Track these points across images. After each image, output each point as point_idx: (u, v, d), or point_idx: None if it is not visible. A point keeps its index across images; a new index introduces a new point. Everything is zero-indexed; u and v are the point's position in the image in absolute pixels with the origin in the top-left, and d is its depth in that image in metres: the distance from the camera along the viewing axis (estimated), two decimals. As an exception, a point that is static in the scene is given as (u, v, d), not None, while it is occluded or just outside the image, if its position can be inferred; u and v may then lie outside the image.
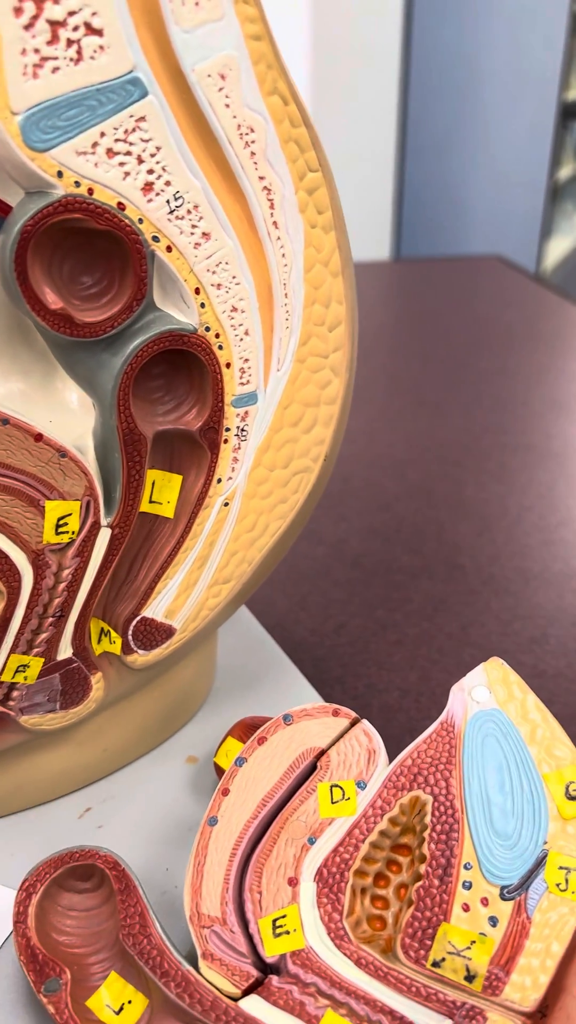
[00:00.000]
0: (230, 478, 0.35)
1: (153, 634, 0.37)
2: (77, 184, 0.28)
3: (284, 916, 0.29)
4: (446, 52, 2.49)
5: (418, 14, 2.39)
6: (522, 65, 2.49)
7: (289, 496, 0.37)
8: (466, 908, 0.28)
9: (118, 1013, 0.28)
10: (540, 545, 0.63)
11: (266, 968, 0.28)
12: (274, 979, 0.28)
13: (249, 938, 0.29)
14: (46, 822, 0.37)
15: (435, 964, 0.27)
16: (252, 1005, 0.27)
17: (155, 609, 0.36)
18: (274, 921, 0.29)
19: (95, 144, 0.27)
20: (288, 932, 0.28)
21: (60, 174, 0.27)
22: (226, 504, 0.35)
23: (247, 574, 0.37)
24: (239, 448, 0.35)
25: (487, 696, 0.32)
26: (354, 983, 0.27)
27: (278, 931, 0.28)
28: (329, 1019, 0.27)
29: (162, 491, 0.35)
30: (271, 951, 0.28)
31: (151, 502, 0.35)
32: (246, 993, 0.28)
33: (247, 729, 0.37)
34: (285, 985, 0.28)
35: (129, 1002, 0.28)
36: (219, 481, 0.35)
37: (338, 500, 0.69)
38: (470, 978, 0.27)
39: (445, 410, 0.85)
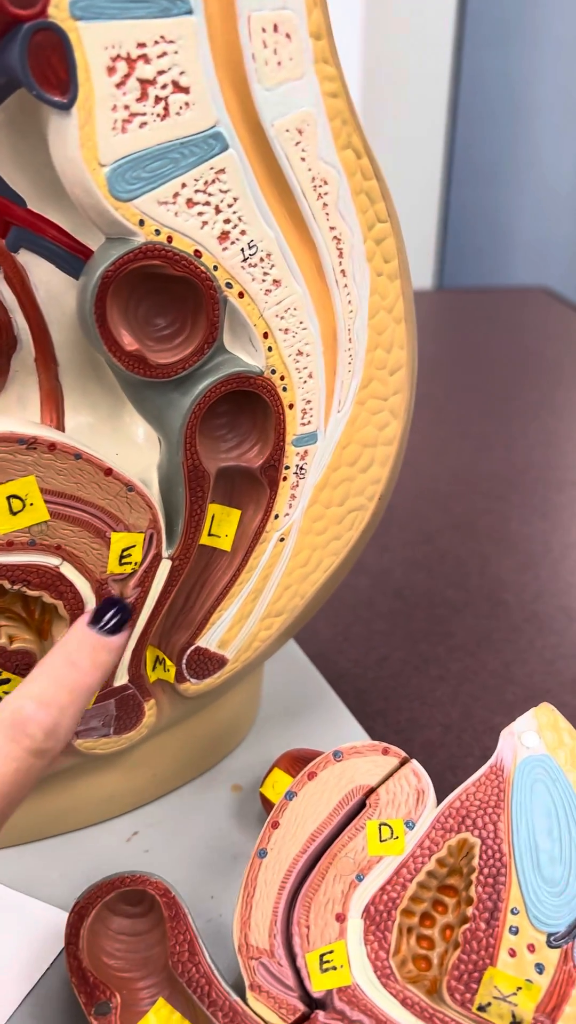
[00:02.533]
0: (287, 514, 0.36)
1: (206, 664, 0.37)
2: (157, 232, 0.29)
3: (331, 951, 0.29)
4: (495, 80, 2.50)
5: (468, 41, 2.41)
6: (572, 93, 2.49)
7: (343, 533, 0.37)
8: (512, 953, 0.28)
9: (165, 1040, 0.29)
10: (584, 584, 0.63)
11: (312, 1003, 0.29)
12: (320, 1014, 0.28)
13: (296, 972, 0.29)
14: (94, 844, 0.38)
15: (480, 1008, 0.28)
16: (298, 1039, 0.28)
17: (209, 639, 0.37)
18: (321, 956, 0.29)
19: (176, 194, 0.29)
20: (335, 968, 0.29)
21: (142, 222, 0.28)
22: (282, 539, 0.36)
23: (299, 608, 0.38)
24: (297, 485, 0.35)
25: (537, 741, 0.32)
26: (399, 1022, 0.28)
27: (325, 966, 0.29)
28: (374, 1058, 0.27)
29: (221, 525, 0.35)
30: (318, 986, 0.29)
31: (210, 535, 0.35)
32: (292, 1027, 0.28)
33: (293, 761, 0.38)
34: (331, 1021, 0.28)
35: (176, 1030, 0.29)
36: (276, 517, 0.36)
37: (382, 531, 0.70)
38: (516, 1024, 0.27)
39: (490, 443, 0.85)
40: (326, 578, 0.38)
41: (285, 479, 0.35)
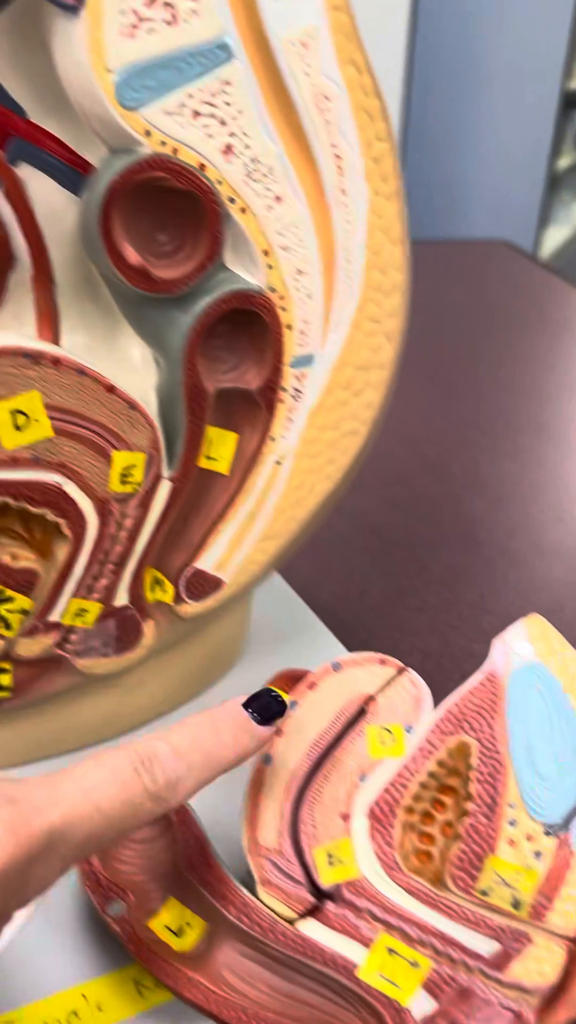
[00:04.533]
0: (284, 437, 0.36)
1: (203, 585, 0.38)
2: (163, 143, 0.29)
3: (338, 848, 0.30)
4: (450, 40, 2.48)
5: (423, 2, 2.39)
6: (525, 54, 2.49)
7: (337, 458, 0.38)
8: (512, 843, 0.30)
9: (178, 935, 0.30)
10: (554, 522, 0.65)
11: (321, 896, 0.30)
12: (330, 905, 0.29)
13: (304, 867, 0.30)
14: (94, 764, 0.39)
15: (483, 893, 0.29)
16: (309, 927, 0.29)
17: (206, 561, 0.38)
18: (328, 852, 0.30)
19: (182, 105, 0.29)
20: (342, 862, 0.30)
21: (148, 133, 0.28)
22: (278, 463, 0.37)
23: (293, 532, 0.39)
24: (294, 408, 0.36)
25: (528, 649, 0.33)
26: (406, 909, 0.29)
27: (332, 861, 0.30)
28: (383, 941, 0.28)
29: (218, 448, 0.36)
30: (327, 880, 0.30)
31: (208, 458, 0.36)
32: (302, 917, 0.29)
33: (288, 680, 0.39)
34: (341, 911, 0.29)
35: (189, 924, 0.30)
36: (273, 440, 0.36)
37: (358, 473, 0.71)
38: (516, 905, 0.29)
39: (458, 391, 0.86)
40: (320, 502, 0.39)
41: (282, 401, 0.36)
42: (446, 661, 0.51)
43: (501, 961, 0.27)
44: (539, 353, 0.94)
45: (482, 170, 2.63)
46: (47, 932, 0.32)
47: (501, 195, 2.65)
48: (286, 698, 0.30)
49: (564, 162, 3.08)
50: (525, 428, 0.78)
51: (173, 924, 0.30)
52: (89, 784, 0.24)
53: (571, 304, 1.09)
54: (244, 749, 0.28)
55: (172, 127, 0.29)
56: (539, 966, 0.27)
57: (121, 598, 0.36)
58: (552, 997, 0.27)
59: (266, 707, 0.29)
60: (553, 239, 3.17)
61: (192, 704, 0.43)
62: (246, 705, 0.29)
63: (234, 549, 0.38)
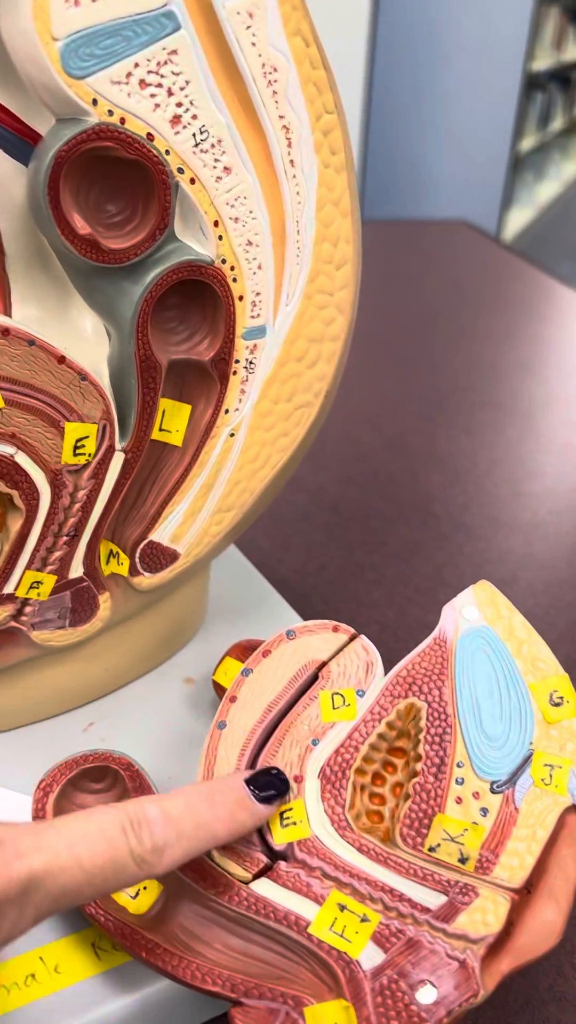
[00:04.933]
0: (237, 409, 0.37)
1: (159, 557, 0.38)
2: (110, 113, 0.29)
3: (291, 809, 0.31)
4: (413, 20, 2.48)
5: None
6: (488, 35, 2.50)
7: (291, 430, 0.39)
8: (459, 801, 0.31)
9: (135, 898, 0.30)
10: (509, 496, 0.66)
11: (274, 856, 0.31)
12: (282, 864, 0.30)
13: (257, 829, 0.31)
14: (51, 735, 0.39)
15: (431, 849, 0.30)
16: (262, 887, 0.30)
17: (162, 534, 0.38)
18: (281, 814, 0.31)
19: (129, 74, 0.29)
20: (295, 823, 0.31)
21: (95, 102, 0.28)
22: (232, 435, 0.37)
23: (248, 504, 0.39)
24: (247, 380, 0.36)
25: (477, 614, 0.34)
26: (357, 866, 0.30)
27: (285, 822, 0.31)
28: (334, 897, 0.29)
29: (172, 420, 0.36)
30: (279, 840, 0.31)
31: (161, 430, 0.36)
32: (256, 877, 0.30)
33: (244, 651, 0.39)
34: (293, 870, 0.30)
35: (144, 888, 0.30)
36: (227, 412, 0.37)
37: (316, 450, 0.71)
38: (463, 860, 0.30)
39: (416, 368, 0.87)
40: (274, 475, 0.39)
41: (235, 373, 0.36)
42: (403, 632, 0.52)
43: (448, 913, 0.28)
44: (497, 331, 0.95)
45: (445, 152, 2.64)
46: (5, 899, 0.33)
47: (464, 177, 2.66)
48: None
49: (527, 143, 3.10)
50: (482, 405, 0.79)
51: (130, 888, 0.30)
52: (74, 837, 0.23)
53: (529, 283, 1.10)
54: (240, 825, 0.28)
55: (119, 96, 0.29)
56: (484, 917, 0.28)
57: (76, 570, 0.36)
58: (496, 946, 0.28)
59: (268, 785, 0.29)
60: (516, 220, 3.19)
61: (153, 675, 0.43)
62: (248, 781, 0.28)
63: (189, 521, 0.38)
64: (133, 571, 0.38)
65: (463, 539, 0.61)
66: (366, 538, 0.60)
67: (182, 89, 0.30)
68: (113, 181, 0.31)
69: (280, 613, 0.47)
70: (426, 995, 0.27)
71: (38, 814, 0.32)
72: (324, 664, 0.34)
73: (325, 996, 0.28)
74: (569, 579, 0.57)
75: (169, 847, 0.25)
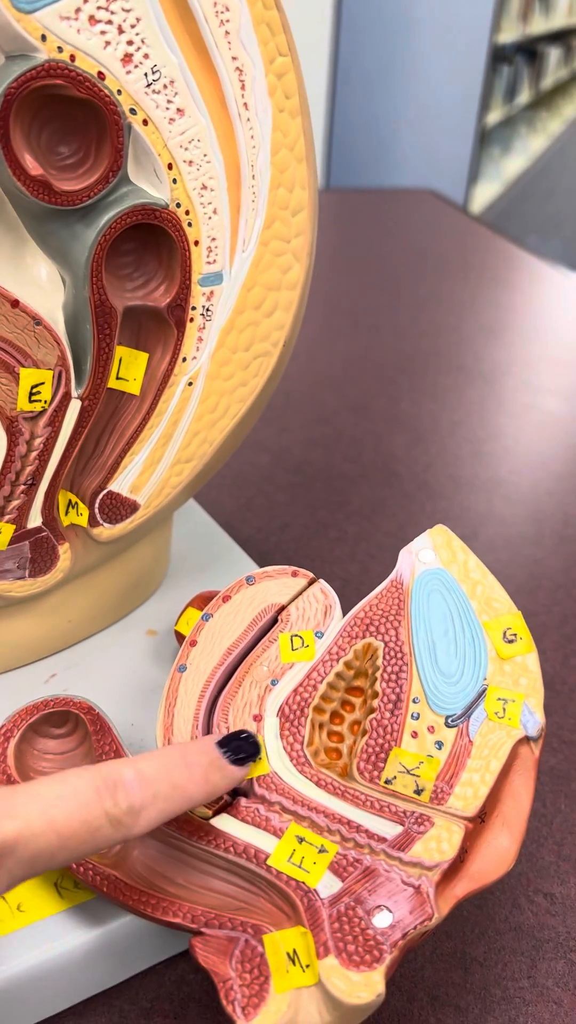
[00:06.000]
0: (195, 358, 0.37)
1: (118, 508, 0.38)
2: (60, 49, 0.29)
3: (250, 747, 0.31)
4: (379, -12, 2.46)
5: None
6: (455, 6, 2.48)
7: (249, 379, 0.39)
8: (415, 735, 0.31)
9: (96, 837, 0.31)
10: (470, 456, 0.67)
11: (235, 792, 0.31)
12: (242, 800, 0.31)
13: (218, 767, 0.31)
14: (12, 686, 0.39)
15: (387, 782, 0.31)
16: (222, 822, 0.30)
17: (121, 484, 0.38)
18: (241, 751, 0.31)
19: (78, 10, 0.28)
20: (254, 760, 0.31)
21: (44, 38, 0.28)
22: (190, 384, 0.37)
23: (208, 455, 0.39)
24: (204, 328, 0.36)
25: (432, 557, 0.35)
26: (315, 800, 0.30)
27: (245, 760, 0.31)
28: (293, 830, 0.30)
29: (129, 368, 0.36)
30: (239, 776, 0.31)
31: (118, 378, 0.36)
32: (216, 813, 0.30)
33: (205, 601, 0.40)
34: (252, 805, 0.30)
35: (106, 827, 0.31)
36: (184, 360, 0.37)
37: (281, 413, 0.71)
38: (419, 792, 0.30)
39: (381, 333, 0.87)
40: (234, 425, 0.39)
41: (192, 320, 0.36)
42: (365, 587, 0.52)
43: (404, 842, 0.29)
44: (460, 298, 0.96)
45: (412, 124, 2.62)
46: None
47: (431, 149, 2.65)
48: (260, 740, 0.30)
49: (493, 117, 3.10)
50: (446, 369, 0.80)
51: (91, 827, 0.31)
52: (47, 801, 0.23)
53: (492, 250, 1.11)
54: (214, 786, 0.27)
55: (68, 32, 0.28)
56: (439, 845, 0.29)
57: (34, 519, 0.36)
58: (451, 872, 0.29)
59: (239, 748, 0.29)
60: (483, 195, 3.20)
61: (115, 627, 0.43)
62: (220, 744, 0.28)
63: (149, 472, 0.38)
64: (92, 522, 0.38)
65: (424, 498, 0.61)
66: (329, 498, 0.61)
67: (133, 27, 0.29)
68: (65, 122, 0.31)
69: (243, 568, 0.47)
70: (382, 919, 0.27)
71: (-1, 758, 0.32)
72: (283, 608, 0.35)
73: (284, 924, 0.28)
74: (527, 535, 0.57)
75: (145, 808, 0.25)
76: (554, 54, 4.00)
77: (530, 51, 3.61)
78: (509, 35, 2.89)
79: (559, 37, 4.07)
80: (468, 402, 0.74)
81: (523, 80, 3.56)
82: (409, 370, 0.80)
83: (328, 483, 0.63)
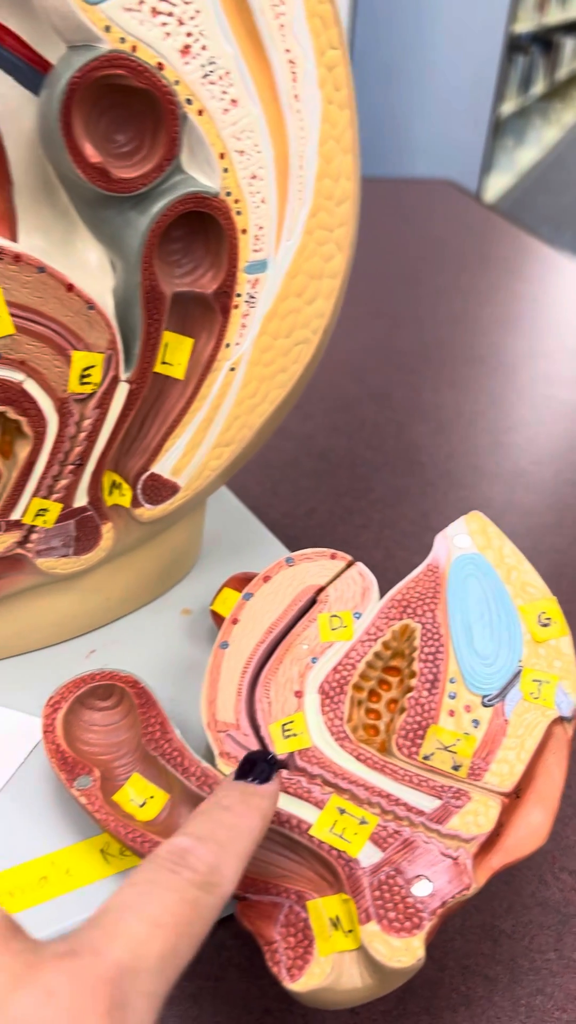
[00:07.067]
0: (238, 344, 0.38)
1: (160, 489, 0.39)
2: (122, 40, 0.29)
3: (292, 721, 0.33)
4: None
5: None
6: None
7: (289, 366, 0.39)
8: (452, 714, 0.32)
9: (142, 806, 0.32)
10: (492, 446, 0.67)
11: (277, 764, 0.32)
12: (284, 772, 0.32)
13: (260, 740, 0.32)
14: (54, 660, 0.40)
15: (425, 758, 0.32)
16: (265, 793, 0.31)
17: (163, 466, 0.39)
18: (283, 726, 0.32)
19: (142, 2, 0.29)
20: (295, 734, 0.32)
21: (108, 28, 0.29)
22: (232, 369, 0.38)
23: (247, 439, 0.40)
24: (248, 315, 0.37)
25: (468, 542, 0.36)
26: (355, 774, 0.31)
27: (287, 734, 0.32)
28: (334, 801, 0.31)
29: (174, 353, 0.37)
30: (281, 749, 0.32)
31: (164, 363, 0.37)
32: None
33: (241, 582, 0.41)
34: (294, 777, 0.31)
35: (152, 797, 0.32)
36: (227, 346, 0.37)
37: (304, 400, 0.72)
38: (456, 768, 0.31)
39: (401, 322, 0.88)
40: (272, 410, 0.40)
41: (236, 307, 0.37)
42: (391, 573, 0.53)
43: (442, 816, 0.30)
44: (479, 288, 0.96)
45: (427, 114, 2.62)
46: (18, 808, 0.34)
47: (445, 139, 2.65)
48: (277, 753, 0.30)
49: (508, 107, 3.09)
50: (465, 359, 0.81)
51: (137, 797, 0.32)
52: (134, 905, 0.22)
53: (510, 242, 1.11)
54: (261, 810, 0.26)
55: (131, 24, 0.29)
56: (476, 819, 0.30)
57: (80, 499, 0.37)
58: (487, 845, 0.30)
59: (260, 771, 0.28)
60: (496, 185, 3.19)
61: (151, 606, 0.44)
62: (238, 778, 0.28)
63: (190, 455, 0.39)
64: (135, 502, 0.39)
65: (447, 486, 0.62)
66: (354, 484, 0.62)
67: (192, 19, 0.30)
68: (122, 111, 0.31)
69: (274, 552, 0.48)
70: (422, 888, 0.28)
71: (48, 728, 0.33)
72: (322, 589, 0.35)
73: (326, 892, 0.29)
74: (549, 524, 0.58)
75: (222, 861, 0.24)
76: (570, 45, 3.98)
77: (546, 41, 3.59)
78: (525, 24, 2.88)
79: (575, 27, 4.04)
80: (488, 392, 0.75)
81: (538, 70, 3.54)
82: (430, 359, 0.80)
83: (352, 470, 0.63)
